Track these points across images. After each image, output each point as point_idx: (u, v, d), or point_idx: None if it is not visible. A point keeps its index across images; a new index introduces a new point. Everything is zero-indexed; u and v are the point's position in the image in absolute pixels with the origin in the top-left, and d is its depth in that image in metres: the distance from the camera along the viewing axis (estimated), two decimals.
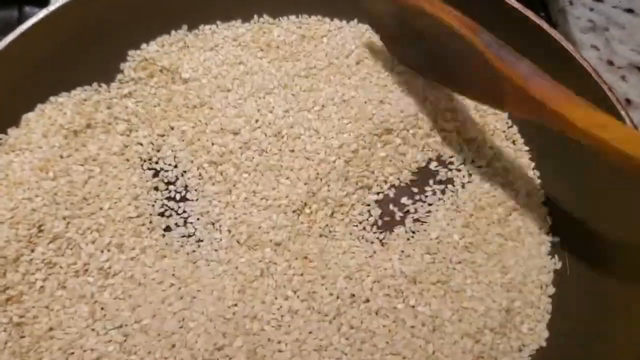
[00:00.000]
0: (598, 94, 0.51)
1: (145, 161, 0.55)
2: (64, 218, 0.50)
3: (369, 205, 0.54)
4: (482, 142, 0.57)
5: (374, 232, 0.53)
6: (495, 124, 0.58)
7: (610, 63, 0.71)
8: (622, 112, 0.49)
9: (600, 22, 0.74)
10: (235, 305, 0.47)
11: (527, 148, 0.58)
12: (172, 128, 0.56)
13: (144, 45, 0.59)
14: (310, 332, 0.47)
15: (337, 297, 0.49)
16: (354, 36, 0.61)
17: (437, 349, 0.48)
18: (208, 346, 0.45)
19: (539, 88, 0.41)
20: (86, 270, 0.49)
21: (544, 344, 0.50)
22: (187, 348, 0.46)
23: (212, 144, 0.54)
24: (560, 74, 0.53)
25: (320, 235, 0.52)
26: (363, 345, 0.47)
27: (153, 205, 0.53)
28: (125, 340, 0.46)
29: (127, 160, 0.54)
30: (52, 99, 0.55)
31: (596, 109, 0.40)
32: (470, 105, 0.58)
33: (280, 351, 0.46)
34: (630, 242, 0.49)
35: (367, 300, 0.49)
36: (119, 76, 0.58)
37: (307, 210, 0.52)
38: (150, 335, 0.46)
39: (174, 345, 0.46)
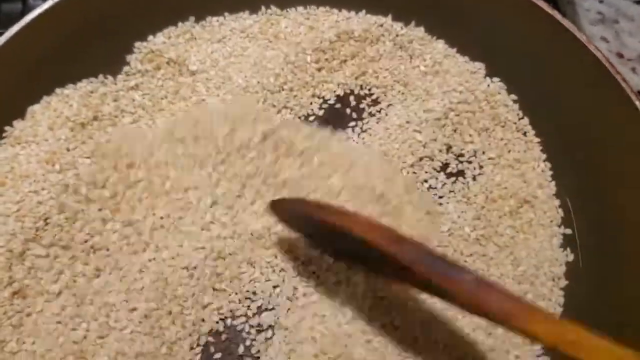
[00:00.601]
0: (611, 85, 0.50)
1: None
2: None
3: None
4: (493, 134, 0.57)
5: None
6: (506, 115, 0.57)
7: (620, 55, 0.71)
8: (637, 103, 0.48)
9: (610, 14, 0.74)
10: None
11: (538, 140, 0.57)
12: None
13: (150, 37, 0.59)
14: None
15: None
16: (359, 25, 0.61)
17: (449, 343, 0.47)
18: None
19: (493, 303, 0.34)
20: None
21: None
22: None
23: None
24: (573, 65, 0.53)
25: None
26: (375, 338, 0.47)
27: None
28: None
29: None
30: (58, 91, 0.55)
31: (560, 321, 0.36)
32: (481, 96, 0.57)
33: None
34: None
35: (376, 294, 0.48)
36: (126, 68, 0.58)
37: None
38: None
39: None
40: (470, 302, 0.35)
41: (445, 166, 0.56)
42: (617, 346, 0.32)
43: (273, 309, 0.48)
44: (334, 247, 0.48)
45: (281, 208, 0.47)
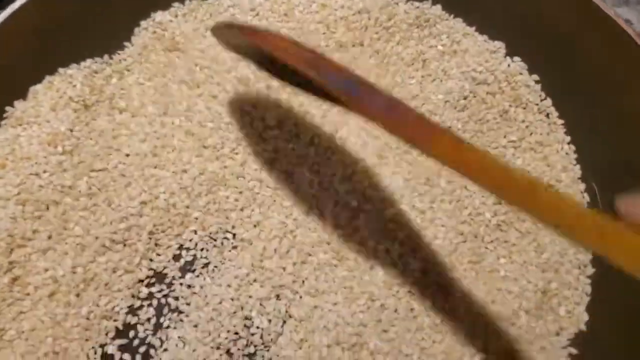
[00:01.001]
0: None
1: None
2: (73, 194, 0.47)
3: None
4: (514, 116, 0.54)
5: None
6: (527, 96, 0.54)
7: None
8: None
9: None
10: None
11: (562, 121, 0.54)
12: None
13: (157, 14, 0.56)
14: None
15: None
16: (374, 3, 0.58)
17: (470, 333, 0.45)
18: None
19: (399, 124, 0.33)
20: None
21: (583, 327, 0.47)
22: None
23: None
24: (599, 43, 0.50)
25: None
26: (392, 328, 0.44)
27: None
28: None
29: None
30: (60, 70, 0.52)
31: (467, 146, 0.33)
32: (501, 77, 0.55)
33: None
34: None
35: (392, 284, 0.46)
36: (130, 47, 0.55)
37: None
38: None
39: None
40: (383, 126, 0.33)
41: None
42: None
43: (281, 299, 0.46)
44: (278, 72, 0.45)
45: (221, 33, 0.44)
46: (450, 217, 0.49)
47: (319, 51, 0.35)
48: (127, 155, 0.50)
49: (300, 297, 0.46)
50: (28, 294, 0.45)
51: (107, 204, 0.48)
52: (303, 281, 0.46)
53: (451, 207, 0.50)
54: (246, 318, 0.45)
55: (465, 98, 0.54)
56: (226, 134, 0.51)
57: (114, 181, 0.49)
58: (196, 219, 0.48)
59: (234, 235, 0.48)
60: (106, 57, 0.54)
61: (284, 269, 0.47)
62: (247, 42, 0.40)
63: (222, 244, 0.48)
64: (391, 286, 0.46)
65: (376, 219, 0.48)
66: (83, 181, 0.48)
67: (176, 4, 0.57)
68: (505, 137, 0.53)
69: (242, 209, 0.49)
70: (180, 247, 0.48)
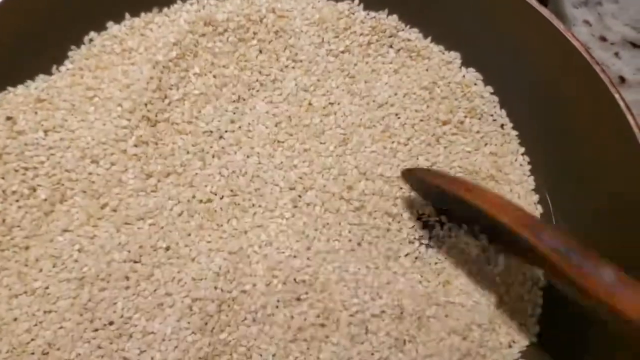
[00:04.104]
0: (590, 75, 0.48)
1: None
2: None
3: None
4: (469, 126, 0.54)
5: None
6: (482, 107, 0.55)
7: (603, 39, 0.68)
8: (616, 96, 0.46)
9: None
10: None
11: (516, 133, 0.55)
12: None
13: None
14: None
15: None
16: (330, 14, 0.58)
17: (422, 347, 0.46)
18: None
19: (630, 303, 0.31)
20: None
21: (534, 339, 0.48)
22: None
23: None
24: (552, 54, 0.51)
25: None
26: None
27: None
28: None
29: None
30: None
31: None
32: (456, 88, 0.55)
33: None
34: (624, 230, 0.47)
35: None
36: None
37: None
38: None
39: None
40: (604, 301, 0.31)
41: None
42: None
43: None
44: (461, 216, 0.48)
45: (411, 177, 0.47)
46: None
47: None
48: None
49: None
50: None
51: None
52: None
53: None
54: None
55: (419, 110, 0.54)
56: None
57: None
58: None
59: None
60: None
61: None
62: (449, 191, 0.41)
63: None
64: None
65: None
66: None
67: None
68: (460, 147, 0.54)
69: None
70: None
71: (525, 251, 0.36)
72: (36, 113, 0.50)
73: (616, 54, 0.67)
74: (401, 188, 0.50)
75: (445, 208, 0.49)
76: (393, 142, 0.53)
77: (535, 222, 0.36)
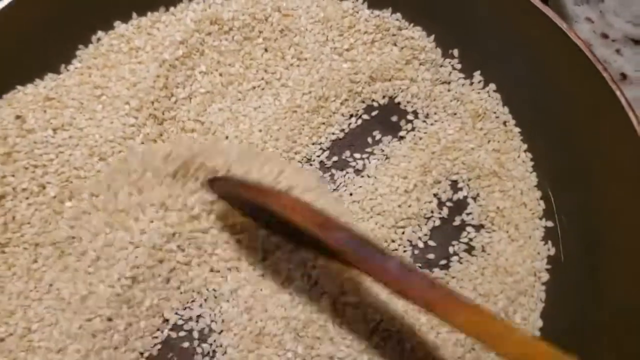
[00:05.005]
0: (592, 73, 0.49)
1: None
2: None
3: None
4: (472, 124, 0.55)
5: None
6: (485, 105, 0.55)
7: (605, 36, 0.69)
8: (617, 92, 0.47)
9: None
10: None
11: (518, 130, 0.55)
12: None
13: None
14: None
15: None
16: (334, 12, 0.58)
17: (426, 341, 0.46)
18: None
19: (416, 290, 0.34)
20: None
21: (537, 333, 0.49)
22: None
23: None
24: (554, 52, 0.51)
25: None
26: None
27: None
28: None
29: None
30: None
31: (482, 311, 0.34)
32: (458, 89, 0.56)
33: None
34: (626, 226, 0.47)
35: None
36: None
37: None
38: None
39: None
40: (395, 288, 0.35)
41: None
42: (535, 339, 0.34)
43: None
44: (273, 226, 0.46)
45: (218, 185, 0.45)
46: None
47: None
48: None
49: None
50: None
51: None
52: None
53: None
54: None
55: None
56: None
57: None
58: None
59: None
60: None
61: None
62: (249, 197, 0.41)
63: None
64: None
65: None
66: None
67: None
68: (463, 144, 0.54)
69: None
70: None
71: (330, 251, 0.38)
72: (45, 111, 0.50)
73: (618, 51, 0.68)
74: None
75: (255, 215, 0.47)
76: None
77: (325, 220, 0.37)
